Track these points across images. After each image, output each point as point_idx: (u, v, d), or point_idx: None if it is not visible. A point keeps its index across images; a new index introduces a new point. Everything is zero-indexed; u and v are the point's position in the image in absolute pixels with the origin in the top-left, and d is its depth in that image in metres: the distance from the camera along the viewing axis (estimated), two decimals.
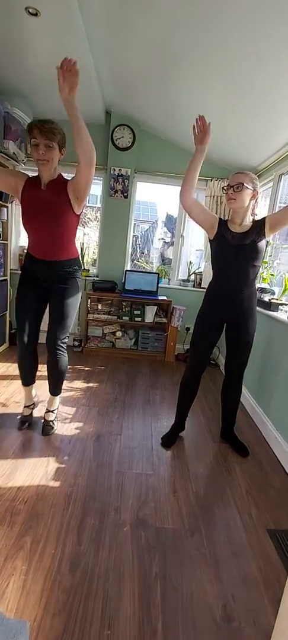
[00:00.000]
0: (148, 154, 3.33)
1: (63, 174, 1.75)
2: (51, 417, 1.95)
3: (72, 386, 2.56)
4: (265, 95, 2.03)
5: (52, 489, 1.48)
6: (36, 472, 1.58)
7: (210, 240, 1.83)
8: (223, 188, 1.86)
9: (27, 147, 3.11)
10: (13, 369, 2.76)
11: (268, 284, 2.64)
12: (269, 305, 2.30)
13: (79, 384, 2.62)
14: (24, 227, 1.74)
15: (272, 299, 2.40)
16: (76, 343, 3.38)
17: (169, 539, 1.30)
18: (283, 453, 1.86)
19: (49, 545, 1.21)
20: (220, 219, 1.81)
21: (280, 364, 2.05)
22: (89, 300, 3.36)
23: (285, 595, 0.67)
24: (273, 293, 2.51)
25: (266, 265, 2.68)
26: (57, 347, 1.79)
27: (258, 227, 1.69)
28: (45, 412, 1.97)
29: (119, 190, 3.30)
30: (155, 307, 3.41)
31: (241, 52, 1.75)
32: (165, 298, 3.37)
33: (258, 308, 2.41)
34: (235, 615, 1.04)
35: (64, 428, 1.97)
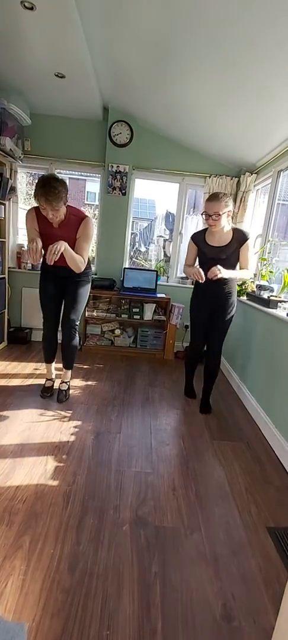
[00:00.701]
0: (147, 150, 3.30)
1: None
2: (64, 387, 2.34)
3: (71, 384, 2.55)
4: (264, 91, 2.02)
5: (51, 488, 1.48)
6: (35, 471, 1.57)
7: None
8: (201, 214, 2.21)
9: (24, 143, 3.09)
10: (12, 367, 2.75)
11: (267, 281, 2.64)
12: (268, 303, 2.29)
13: (77, 382, 2.61)
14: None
15: (271, 296, 2.39)
16: None
17: (168, 538, 1.29)
18: (283, 451, 1.86)
19: (48, 545, 1.20)
20: (193, 238, 2.27)
21: (280, 362, 2.04)
22: (88, 298, 3.34)
23: (286, 595, 0.66)
24: (272, 290, 2.50)
25: (265, 262, 2.67)
26: (71, 327, 2.17)
27: (235, 247, 2.09)
28: (60, 383, 2.35)
29: (117, 187, 3.28)
30: (154, 305, 3.40)
31: (239, 48, 1.73)
32: (163, 296, 3.36)
33: (256, 305, 2.44)
34: (235, 614, 1.04)
35: (63, 427, 1.96)
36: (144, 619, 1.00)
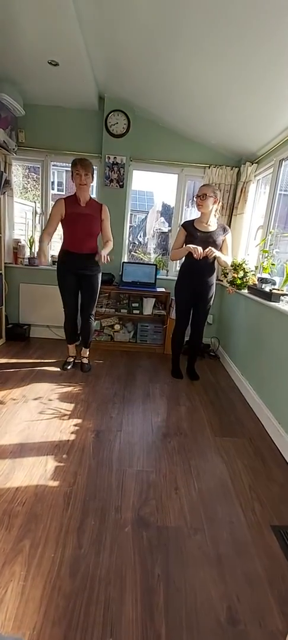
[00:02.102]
0: (144, 140, 3.22)
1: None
2: (85, 361, 2.80)
3: (71, 381, 2.52)
4: (264, 78, 1.95)
5: (51, 489, 1.45)
6: (34, 471, 1.55)
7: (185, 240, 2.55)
8: (193, 197, 2.64)
9: (18, 135, 3.00)
10: (11, 364, 2.72)
11: (269, 273, 2.59)
12: (270, 296, 2.25)
13: (77, 379, 2.58)
14: (65, 230, 2.46)
15: (273, 289, 2.34)
16: None
17: (171, 539, 1.27)
18: (287, 447, 1.84)
19: (48, 549, 1.17)
20: (183, 226, 2.56)
21: (283, 356, 2.01)
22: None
23: None
24: (274, 283, 2.45)
25: (267, 254, 2.62)
26: (89, 315, 2.66)
27: (220, 235, 2.47)
28: (82, 358, 2.81)
29: (114, 179, 3.21)
30: (154, 300, 3.36)
31: (239, 34, 1.66)
32: (163, 290, 3.31)
33: (258, 299, 2.40)
34: (241, 617, 1.02)
35: (63, 425, 1.94)
36: (148, 624, 0.98)
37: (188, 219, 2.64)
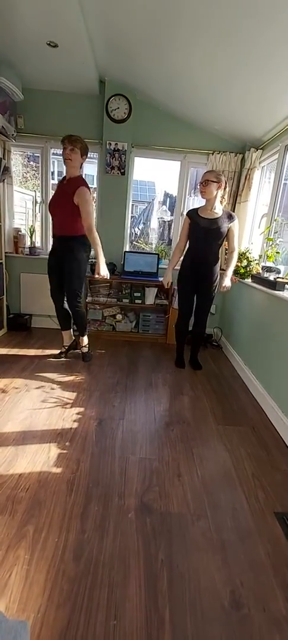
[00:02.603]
0: (146, 126, 3.15)
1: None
2: (85, 350, 2.72)
3: (73, 370, 2.51)
4: (271, 58, 1.87)
5: (54, 476, 1.45)
6: (37, 458, 1.55)
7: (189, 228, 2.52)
8: (195, 185, 2.67)
9: (17, 120, 2.94)
10: (12, 354, 2.71)
11: (274, 262, 2.55)
12: (274, 285, 2.22)
13: (79, 368, 2.57)
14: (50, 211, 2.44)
15: (278, 278, 2.31)
16: (75, 327, 3.30)
17: (175, 525, 1.27)
18: None
19: (52, 534, 1.18)
20: (188, 215, 2.51)
21: (287, 345, 1.98)
22: (88, 283, 3.27)
23: None
24: (278, 272, 2.42)
25: (271, 243, 2.57)
26: (71, 299, 2.51)
27: (224, 223, 2.38)
28: (80, 348, 2.73)
29: (116, 166, 3.15)
30: (156, 289, 3.33)
31: (244, 13, 1.59)
32: None
33: (262, 288, 2.38)
34: (244, 602, 1.02)
35: (65, 413, 1.93)
36: (152, 608, 0.98)
37: (192, 207, 2.60)
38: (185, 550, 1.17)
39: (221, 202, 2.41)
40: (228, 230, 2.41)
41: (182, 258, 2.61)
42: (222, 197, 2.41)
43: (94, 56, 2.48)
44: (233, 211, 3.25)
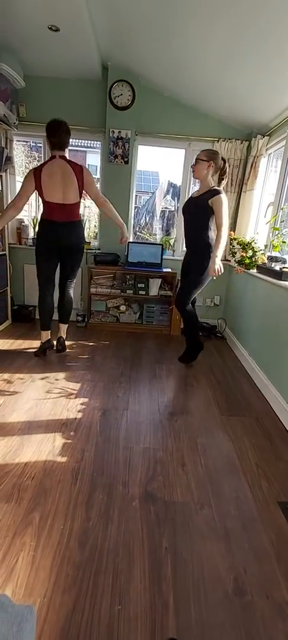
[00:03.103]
0: (150, 113, 3.08)
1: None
2: (61, 340, 2.60)
3: (77, 361, 2.53)
4: (278, 43, 1.81)
5: (60, 465, 1.47)
6: (43, 447, 1.56)
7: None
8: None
9: (18, 109, 2.90)
10: (17, 345, 2.73)
11: (280, 252, 2.50)
12: (280, 275, 2.19)
13: (83, 359, 2.58)
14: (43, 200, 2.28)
15: (284, 267, 2.27)
16: (79, 318, 3.31)
17: (179, 513, 1.28)
18: None
19: (58, 521, 1.19)
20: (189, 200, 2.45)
21: None
22: (91, 274, 3.26)
23: None
24: (284, 262, 2.38)
25: (278, 232, 2.53)
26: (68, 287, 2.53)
27: (205, 200, 2.23)
28: (58, 338, 2.61)
29: (119, 155, 3.10)
30: (160, 280, 3.31)
31: None
32: (169, 270, 3.25)
33: (267, 278, 2.35)
34: (247, 589, 1.03)
35: (70, 404, 1.95)
36: (156, 594, 0.99)
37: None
38: (189, 538, 1.18)
39: (219, 184, 2.32)
40: (209, 205, 2.21)
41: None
42: (221, 179, 2.32)
43: (96, 40, 2.43)
44: (239, 200, 3.20)
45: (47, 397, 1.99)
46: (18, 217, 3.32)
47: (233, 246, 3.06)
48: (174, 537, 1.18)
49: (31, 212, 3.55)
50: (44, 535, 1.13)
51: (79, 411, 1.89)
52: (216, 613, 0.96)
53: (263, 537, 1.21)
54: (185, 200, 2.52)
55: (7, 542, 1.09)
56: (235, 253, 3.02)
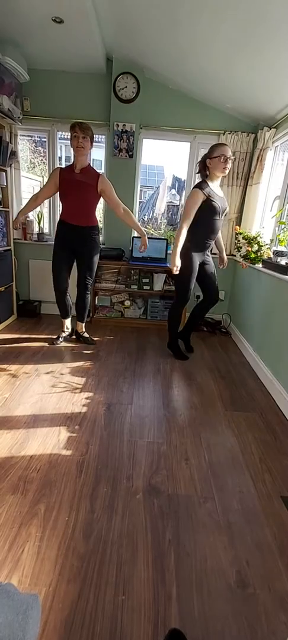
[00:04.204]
0: (155, 106, 3.05)
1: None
2: (85, 335, 2.81)
3: (81, 356, 2.55)
4: (285, 29, 1.76)
5: (64, 458, 1.49)
6: (48, 441, 1.59)
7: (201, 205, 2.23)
8: (215, 157, 2.21)
9: (23, 103, 2.90)
10: (22, 340, 2.76)
11: (285, 246, 2.47)
12: (286, 270, 2.16)
13: (88, 354, 2.60)
14: (60, 200, 2.42)
15: None
16: None
17: (182, 506, 1.29)
18: None
19: (63, 513, 1.22)
20: (203, 190, 2.20)
21: None
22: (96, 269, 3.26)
23: None
24: None
25: (284, 226, 2.49)
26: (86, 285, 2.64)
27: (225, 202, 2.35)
28: (80, 332, 2.81)
29: (124, 149, 3.08)
30: (165, 275, 3.30)
31: None
32: None
33: (273, 273, 2.33)
34: (250, 581, 1.04)
35: (74, 398, 1.97)
36: (159, 584, 1.01)
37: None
38: (192, 531, 1.19)
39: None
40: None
41: (187, 240, 2.31)
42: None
43: (100, 31, 2.40)
44: (244, 194, 3.16)
45: (52, 391, 2.02)
46: None
47: (239, 240, 3.03)
48: (177, 529, 1.19)
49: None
50: (49, 527, 1.16)
51: (83, 405, 1.91)
52: (219, 605, 0.97)
53: (266, 530, 1.22)
54: (206, 188, 2.21)
55: (13, 533, 1.12)
56: (241, 247, 2.99)
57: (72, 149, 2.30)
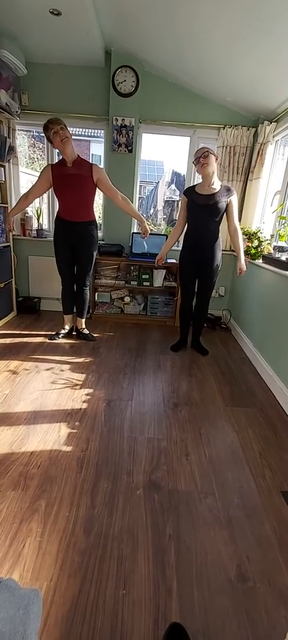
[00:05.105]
0: (154, 100, 3.02)
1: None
2: (85, 331, 2.81)
3: (82, 353, 2.54)
4: (285, 21, 1.74)
5: (65, 454, 1.49)
6: (48, 437, 1.59)
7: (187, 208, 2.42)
8: (193, 162, 2.34)
9: (21, 97, 2.87)
10: (22, 336, 2.75)
11: (286, 241, 2.46)
12: (286, 265, 2.15)
13: (88, 350, 2.60)
14: (57, 196, 2.39)
15: None
16: None
17: (182, 501, 1.30)
18: None
19: (63, 508, 1.22)
20: (184, 193, 2.43)
21: None
22: (95, 265, 3.25)
23: None
24: None
25: (284, 221, 2.48)
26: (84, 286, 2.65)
27: (223, 197, 2.27)
28: (80, 329, 2.80)
29: (123, 143, 3.05)
30: (164, 271, 3.28)
31: None
32: (174, 261, 3.23)
33: (273, 269, 2.31)
34: (250, 575, 1.04)
35: (75, 394, 1.97)
36: (159, 579, 1.01)
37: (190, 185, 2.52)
38: (193, 526, 1.20)
39: (217, 174, 2.35)
40: (227, 205, 2.29)
41: (182, 239, 2.52)
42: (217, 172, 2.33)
43: (98, 24, 2.37)
44: (245, 189, 3.14)
45: (53, 388, 2.02)
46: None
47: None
48: (178, 524, 1.20)
49: (35, 202, 3.53)
50: (50, 522, 1.16)
51: (83, 401, 1.91)
52: (219, 599, 0.97)
53: (266, 525, 1.22)
54: (187, 190, 2.41)
55: (14, 528, 1.12)
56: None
57: (57, 149, 2.29)
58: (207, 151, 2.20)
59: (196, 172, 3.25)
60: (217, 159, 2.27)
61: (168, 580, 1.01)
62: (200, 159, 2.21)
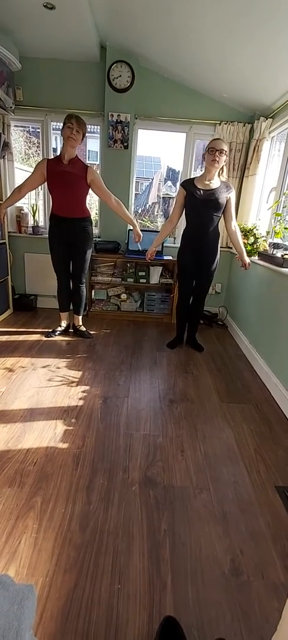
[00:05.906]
0: (150, 95, 3.00)
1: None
2: (82, 328, 2.81)
3: (78, 350, 2.54)
4: (283, 21, 1.73)
5: (61, 451, 1.50)
6: (44, 434, 1.59)
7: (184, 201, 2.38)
8: (205, 151, 2.26)
9: (15, 92, 2.84)
10: (19, 334, 2.75)
11: (281, 238, 2.47)
12: (282, 262, 2.16)
13: (84, 347, 2.60)
14: (50, 192, 2.40)
15: (285, 254, 2.24)
16: None
17: (177, 497, 1.31)
18: None
19: (59, 505, 1.23)
20: (182, 185, 2.37)
21: None
22: (92, 262, 3.24)
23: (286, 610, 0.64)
24: (286, 249, 2.34)
25: (280, 218, 2.49)
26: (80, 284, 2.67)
27: (223, 193, 2.26)
28: (77, 326, 2.81)
29: (119, 139, 3.03)
30: (161, 268, 3.28)
31: None
32: (170, 258, 3.23)
33: (269, 265, 2.32)
34: (244, 569, 1.06)
35: (71, 391, 1.97)
36: (154, 574, 1.02)
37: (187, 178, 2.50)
38: (187, 521, 1.21)
39: (220, 174, 2.30)
40: (226, 201, 2.28)
41: (181, 236, 2.51)
42: (221, 171, 2.30)
43: (93, 18, 2.34)
44: (241, 185, 3.14)
45: (49, 385, 2.02)
46: (17, 204, 3.30)
47: None
48: (173, 520, 1.21)
49: (30, 199, 3.51)
50: (46, 518, 1.17)
51: (80, 399, 1.91)
52: (213, 592, 0.99)
53: (260, 520, 1.24)
54: (186, 182, 2.35)
55: (10, 525, 1.13)
56: None
57: (62, 138, 2.26)
58: (224, 150, 2.16)
59: (199, 163, 3.25)
60: (225, 162, 2.27)
61: (163, 575, 1.02)
62: (216, 152, 2.15)
